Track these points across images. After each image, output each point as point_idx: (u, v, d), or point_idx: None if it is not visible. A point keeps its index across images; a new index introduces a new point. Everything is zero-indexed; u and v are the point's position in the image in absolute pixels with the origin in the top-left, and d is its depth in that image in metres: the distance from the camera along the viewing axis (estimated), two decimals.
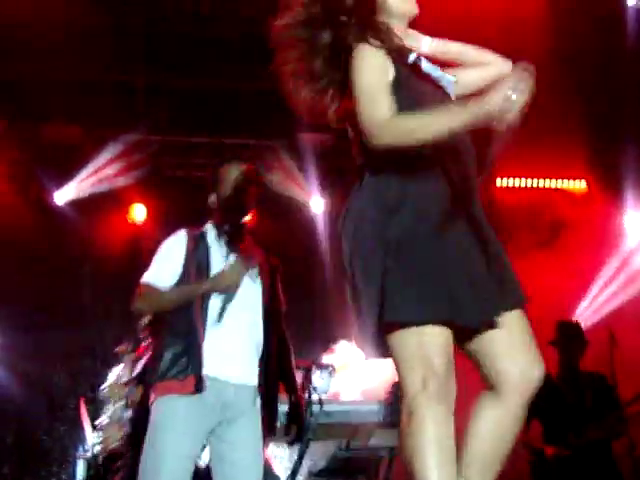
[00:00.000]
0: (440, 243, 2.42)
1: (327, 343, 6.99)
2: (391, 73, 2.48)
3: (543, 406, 5.34)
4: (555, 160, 7.79)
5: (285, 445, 4.66)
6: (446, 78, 2.59)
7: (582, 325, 6.22)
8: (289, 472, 4.68)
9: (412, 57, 2.53)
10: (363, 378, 5.99)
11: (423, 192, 2.43)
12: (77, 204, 7.49)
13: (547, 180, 8.23)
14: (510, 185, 8.21)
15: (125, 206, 7.60)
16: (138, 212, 7.60)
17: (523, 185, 8.23)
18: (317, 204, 7.85)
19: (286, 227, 7.74)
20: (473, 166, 2.54)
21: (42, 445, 7.27)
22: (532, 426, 5.48)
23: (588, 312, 7.57)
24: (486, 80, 2.63)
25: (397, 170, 2.45)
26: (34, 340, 7.31)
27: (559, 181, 8.23)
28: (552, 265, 7.28)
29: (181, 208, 7.67)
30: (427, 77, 2.54)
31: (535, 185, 8.24)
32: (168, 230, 7.69)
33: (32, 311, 7.38)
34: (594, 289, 7.65)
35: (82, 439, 5.84)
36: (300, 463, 4.58)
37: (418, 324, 2.39)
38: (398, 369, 2.44)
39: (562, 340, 5.84)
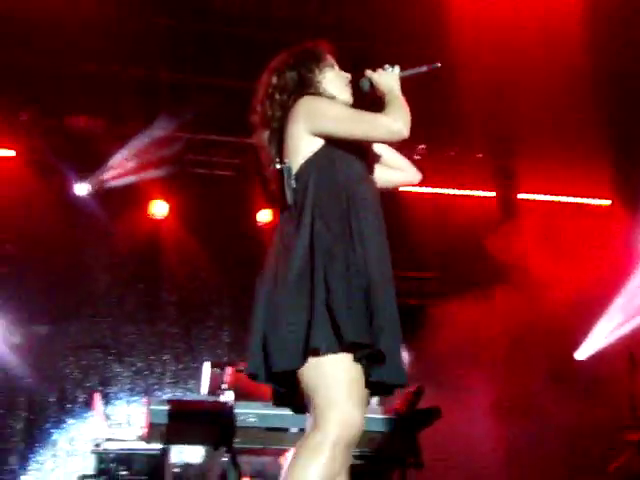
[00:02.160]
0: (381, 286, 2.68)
1: None
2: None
3: None
4: (580, 178, 7.78)
5: None
6: None
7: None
8: None
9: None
10: None
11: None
12: (97, 196, 7.47)
13: (571, 197, 8.22)
14: (532, 199, 8.21)
15: (146, 201, 7.56)
16: (159, 208, 7.56)
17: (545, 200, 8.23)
18: None
19: None
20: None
21: (50, 437, 7.25)
22: None
23: (606, 332, 7.52)
24: (394, 183, 3.18)
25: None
26: (47, 332, 7.32)
27: (583, 199, 8.22)
28: (569, 281, 7.26)
29: (203, 206, 7.67)
30: None
31: (558, 201, 8.23)
32: (188, 227, 7.80)
33: (46, 301, 7.39)
34: (613, 309, 7.60)
35: (95, 433, 5.81)
36: None
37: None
38: (321, 395, 2.54)
39: None
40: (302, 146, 2.79)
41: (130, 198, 7.51)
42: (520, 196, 8.28)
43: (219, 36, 7.18)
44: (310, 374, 2.57)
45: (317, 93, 2.89)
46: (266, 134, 2.91)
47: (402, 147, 7.92)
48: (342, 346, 2.53)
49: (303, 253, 2.62)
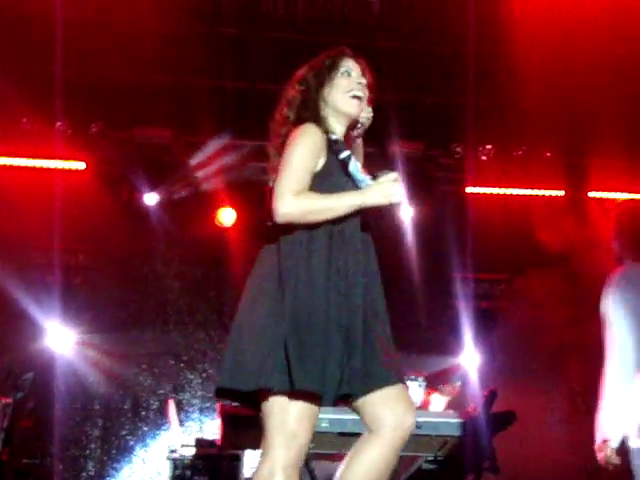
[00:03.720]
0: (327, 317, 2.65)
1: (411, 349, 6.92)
2: (322, 161, 2.77)
3: None
4: None
5: None
6: (365, 182, 2.78)
7: None
8: None
9: (344, 154, 2.80)
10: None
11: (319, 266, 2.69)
12: (166, 206, 7.56)
13: None
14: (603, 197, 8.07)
15: (214, 209, 7.63)
16: (226, 216, 7.61)
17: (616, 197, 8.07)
18: (405, 211, 7.76)
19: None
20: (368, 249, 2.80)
21: (125, 444, 7.36)
22: None
23: None
24: None
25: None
26: (120, 339, 7.45)
27: None
28: None
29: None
30: (349, 176, 2.78)
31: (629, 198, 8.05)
32: (256, 235, 7.83)
33: (119, 311, 7.52)
34: None
35: (169, 439, 5.89)
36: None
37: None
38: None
39: None
40: None
41: (198, 207, 7.59)
42: (591, 194, 8.12)
43: (284, 43, 7.20)
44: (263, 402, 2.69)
45: (316, 116, 2.83)
46: (273, 146, 2.90)
47: (468, 148, 7.86)
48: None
49: (274, 302, 2.67)
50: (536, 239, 7.81)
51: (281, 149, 2.82)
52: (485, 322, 7.74)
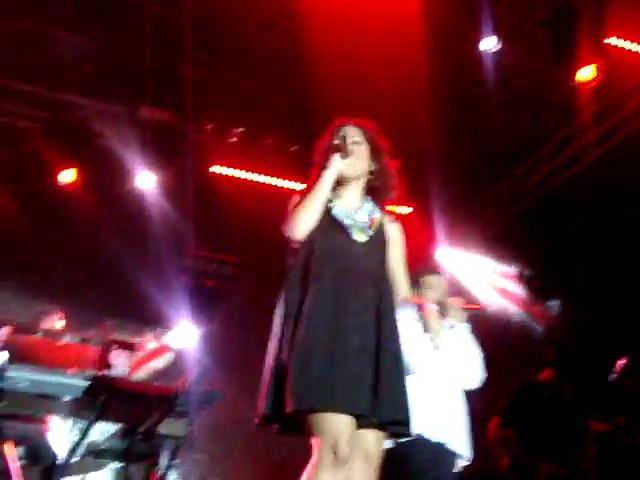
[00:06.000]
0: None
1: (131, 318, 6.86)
2: None
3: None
4: None
5: (71, 420, 4.53)
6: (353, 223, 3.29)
7: None
8: (69, 447, 4.51)
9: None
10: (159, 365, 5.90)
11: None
12: None
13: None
14: None
15: None
16: None
17: None
18: (146, 179, 7.67)
19: (114, 197, 7.55)
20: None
21: None
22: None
23: None
24: None
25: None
26: None
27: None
28: None
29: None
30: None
31: None
32: None
33: None
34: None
35: None
36: (82, 440, 4.43)
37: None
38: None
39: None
40: None
41: None
42: None
43: None
44: None
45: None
46: None
47: (218, 128, 7.81)
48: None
49: None
50: (270, 226, 7.98)
51: None
52: (209, 300, 7.83)
